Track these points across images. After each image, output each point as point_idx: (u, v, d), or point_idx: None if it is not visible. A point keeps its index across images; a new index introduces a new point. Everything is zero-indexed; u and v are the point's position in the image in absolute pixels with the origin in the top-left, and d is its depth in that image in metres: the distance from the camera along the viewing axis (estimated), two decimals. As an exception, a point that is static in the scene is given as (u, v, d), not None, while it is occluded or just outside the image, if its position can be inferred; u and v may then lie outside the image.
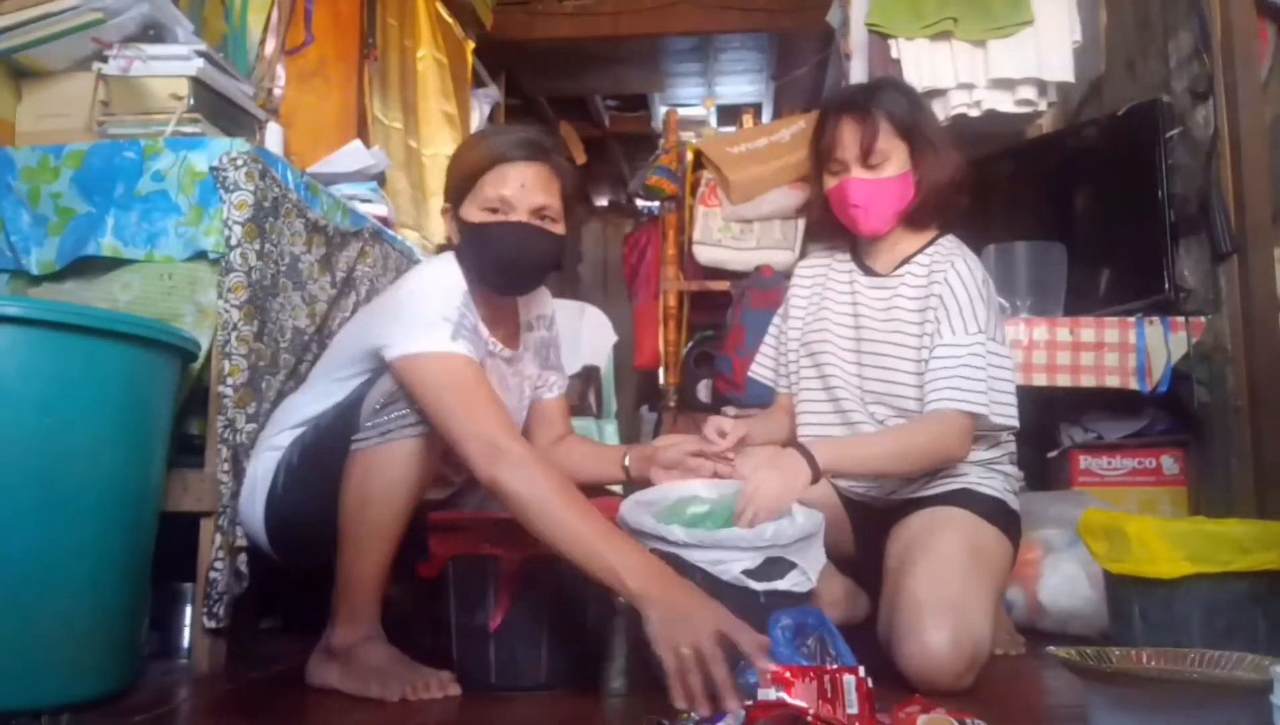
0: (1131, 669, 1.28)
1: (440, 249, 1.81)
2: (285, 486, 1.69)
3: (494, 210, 1.65)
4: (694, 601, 1.34)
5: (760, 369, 2.11)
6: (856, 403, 1.88)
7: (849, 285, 1.95)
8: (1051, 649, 1.29)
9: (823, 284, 2.00)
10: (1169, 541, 1.60)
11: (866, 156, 1.83)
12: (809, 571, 1.51)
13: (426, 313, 1.57)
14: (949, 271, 1.81)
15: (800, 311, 2.02)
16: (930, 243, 1.90)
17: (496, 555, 1.55)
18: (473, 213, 1.67)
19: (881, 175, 1.84)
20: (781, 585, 1.48)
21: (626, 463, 1.86)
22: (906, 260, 1.90)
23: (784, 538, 1.49)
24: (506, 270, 1.69)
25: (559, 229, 1.70)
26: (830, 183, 1.89)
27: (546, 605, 1.57)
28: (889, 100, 1.85)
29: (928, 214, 1.89)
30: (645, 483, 1.81)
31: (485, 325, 1.72)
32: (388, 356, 1.56)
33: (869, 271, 1.94)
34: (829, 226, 1.96)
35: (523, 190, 1.65)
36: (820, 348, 1.93)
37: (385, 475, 1.56)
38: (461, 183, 1.69)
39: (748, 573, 1.46)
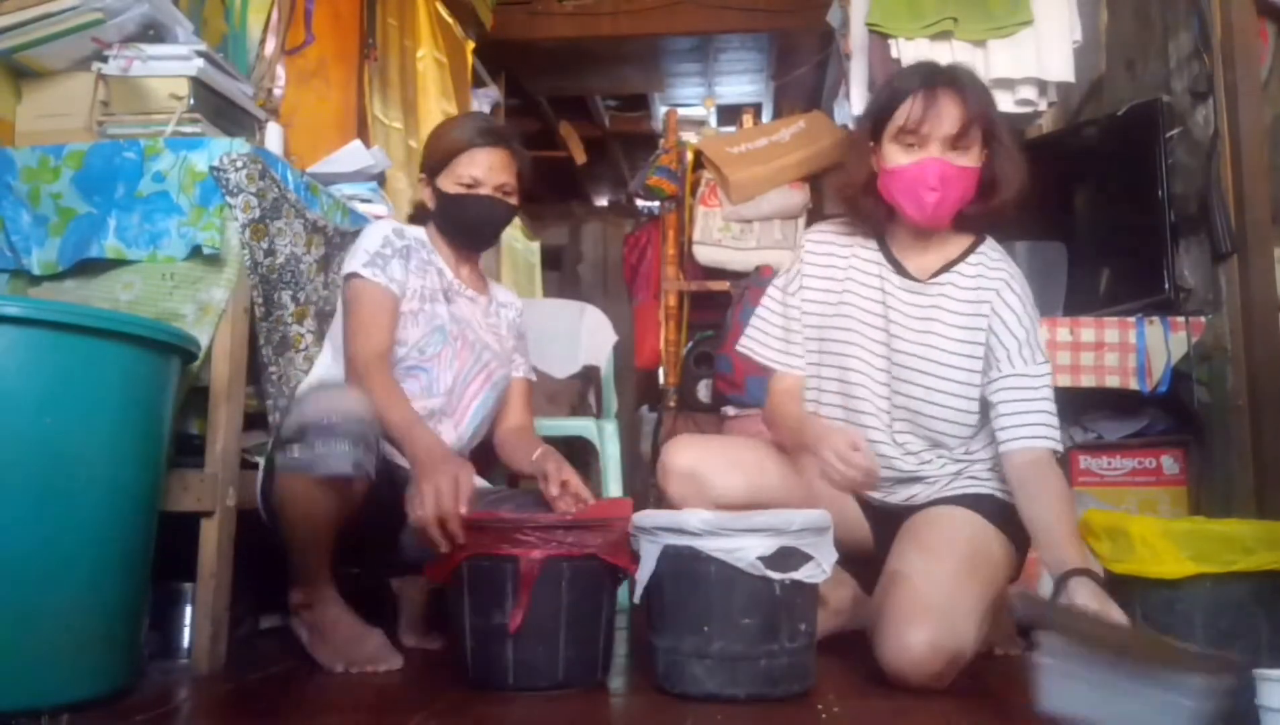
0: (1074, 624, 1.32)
1: (411, 218, 2.16)
2: (271, 451, 1.77)
3: (467, 186, 2.02)
4: (450, 462, 1.65)
5: (766, 351, 1.85)
6: (882, 424, 1.77)
7: (878, 284, 1.78)
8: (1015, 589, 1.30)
9: (844, 272, 1.82)
10: (1172, 541, 1.59)
11: (961, 136, 1.66)
12: (823, 564, 1.53)
13: (357, 248, 1.96)
14: (1004, 295, 1.72)
15: (816, 293, 1.83)
16: (971, 249, 1.77)
17: (515, 556, 1.54)
18: (448, 185, 2.03)
19: (963, 162, 1.68)
20: (797, 576, 1.51)
21: (535, 458, 1.93)
22: (947, 267, 1.76)
23: (794, 523, 1.51)
24: (475, 231, 2.09)
25: (514, 201, 2.09)
26: (899, 158, 1.69)
27: (563, 604, 1.57)
28: (977, 85, 1.73)
29: (987, 217, 1.75)
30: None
31: (449, 267, 2.07)
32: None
33: (902, 271, 1.78)
34: (864, 211, 1.79)
35: (490, 171, 2.02)
36: (845, 351, 1.79)
37: (299, 500, 1.70)
38: (439, 160, 2.04)
39: (764, 560, 1.47)
